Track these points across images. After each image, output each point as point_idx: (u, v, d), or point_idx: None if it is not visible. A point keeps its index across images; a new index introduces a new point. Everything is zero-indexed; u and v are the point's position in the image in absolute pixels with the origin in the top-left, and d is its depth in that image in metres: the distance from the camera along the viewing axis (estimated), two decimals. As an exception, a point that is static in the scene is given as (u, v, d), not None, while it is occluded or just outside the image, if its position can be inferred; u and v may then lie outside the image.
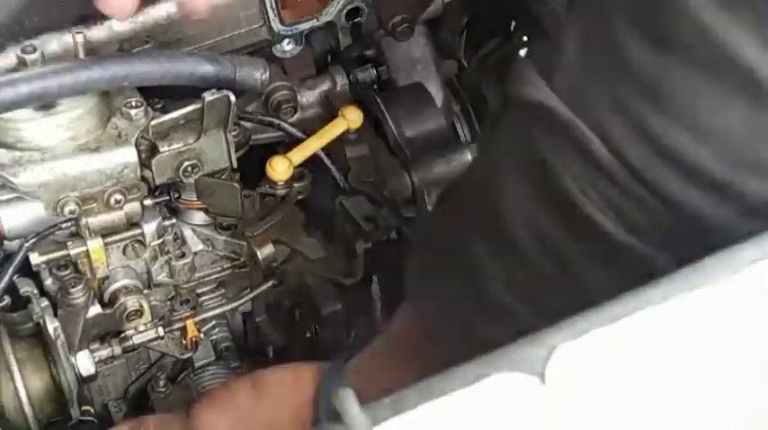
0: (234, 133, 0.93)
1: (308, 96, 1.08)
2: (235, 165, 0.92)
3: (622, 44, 0.55)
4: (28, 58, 0.79)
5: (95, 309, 0.90)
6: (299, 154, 0.96)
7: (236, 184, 0.92)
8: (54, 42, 0.89)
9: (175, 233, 0.95)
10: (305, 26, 1.06)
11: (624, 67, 0.55)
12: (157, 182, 0.89)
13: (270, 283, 1.00)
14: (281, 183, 0.94)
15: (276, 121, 1.03)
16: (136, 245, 0.91)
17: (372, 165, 1.00)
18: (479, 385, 0.44)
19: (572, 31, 0.60)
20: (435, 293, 0.72)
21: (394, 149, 1.03)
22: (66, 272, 0.89)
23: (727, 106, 0.53)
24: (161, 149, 0.86)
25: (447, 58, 1.34)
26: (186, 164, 0.88)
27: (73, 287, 0.88)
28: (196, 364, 1.03)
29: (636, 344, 0.47)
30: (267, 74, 0.86)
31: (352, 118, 1.01)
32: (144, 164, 0.87)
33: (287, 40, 1.07)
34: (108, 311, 0.91)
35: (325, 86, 1.09)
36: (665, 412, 0.47)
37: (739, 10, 0.51)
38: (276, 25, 1.04)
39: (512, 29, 1.48)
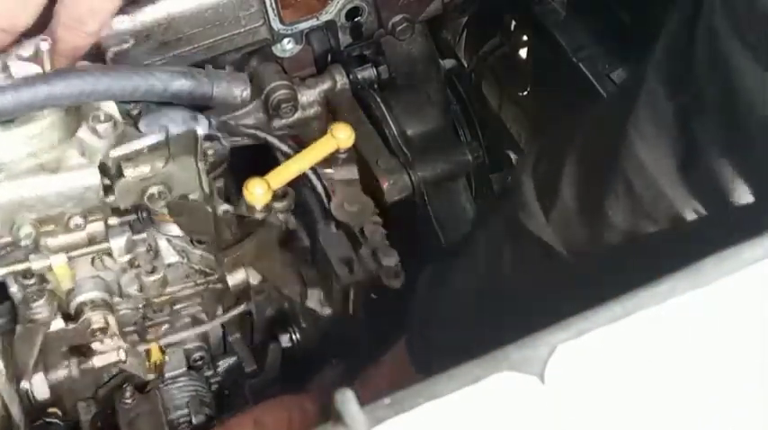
0: (210, 152, 0.87)
1: (308, 96, 1.08)
2: (207, 190, 0.86)
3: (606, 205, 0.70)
4: None
5: (59, 324, 0.86)
6: (279, 177, 0.89)
7: (209, 207, 0.86)
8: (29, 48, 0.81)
9: (149, 244, 0.89)
10: (305, 25, 1.06)
11: (604, 222, 0.70)
12: (121, 207, 0.83)
13: (242, 307, 0.98)
14: (260, 206, 0.88)
15: (262, 135, 0.98)
16: (105, 257, 0.86)
17: (358, 191, 0.94)
18: (479, 385, 0.44)
19: (567, 177, 0.73)
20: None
21: (394, 149, 1.03)
22: (31, 281, 0.83)
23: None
24: (125, 173, 0.79)
25: (447, 58, 1.34)
26: (153, 190, 0.81)
27: (34, 302, 0.83)
28: (167, 375, 1.00)
29: (636, 344, 0.47)
30: (248, 90, 0.82)
31: (342, 136, 0.92)
32: (106, 188, 0.80)
33: (287, 40, 1.07)
34: (71, 326, 0.87)
35: (326, 86, 1.08)
36: (665, 412, 0.47)
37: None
38: (276, 24, 1.04)
39: (512, 29, 1.48)
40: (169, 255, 0.92)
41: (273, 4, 1.01)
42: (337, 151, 0.93)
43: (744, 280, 0.48)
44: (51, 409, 0.91)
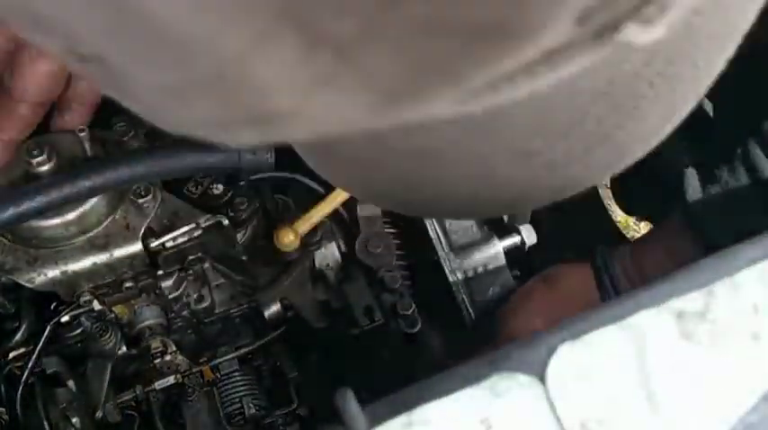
0: (242, 207, 0.95)
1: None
2: (242, 254, 0.94)
3: None
4: (34, 161, 0.80)
5: (122, 349, 0.94)
6: (307, 223, 0.95)
7: (244, 257, 0.95)
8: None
9: (196, 271, 0.96)
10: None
11: None
12: (164, 271, 0.91)
13: (279, 331, 1.01)
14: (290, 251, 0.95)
15: (293, 176, 1.02)
16: (158, 290, 0.94)
17: (381, 229, 0.99)
18: (479, 385, 0.44)
19: None
20: None
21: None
22: (95, 320, 0.93)
23: None
24: (167, 246, 0.87)
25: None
26: (191, 257, 0.90)
27: (101, 337, 0.92)
28: (222, 372, 1.05)
29: (636, 344, 0.47)
30: (272, 154, 0.88)
31: None
32: (151, 257, 0.88)
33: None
34: (134, 351, 0.95)
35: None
36: (664, 411, 0.47)
37: None
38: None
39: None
40: (215, 278, 0.99)
41: (274, 4, 1.01)
42: None
43: (744, 280, 0.48)
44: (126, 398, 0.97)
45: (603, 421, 0.46)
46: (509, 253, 1.05)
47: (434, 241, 1.03)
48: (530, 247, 1.06)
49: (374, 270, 0.96)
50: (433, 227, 1.03)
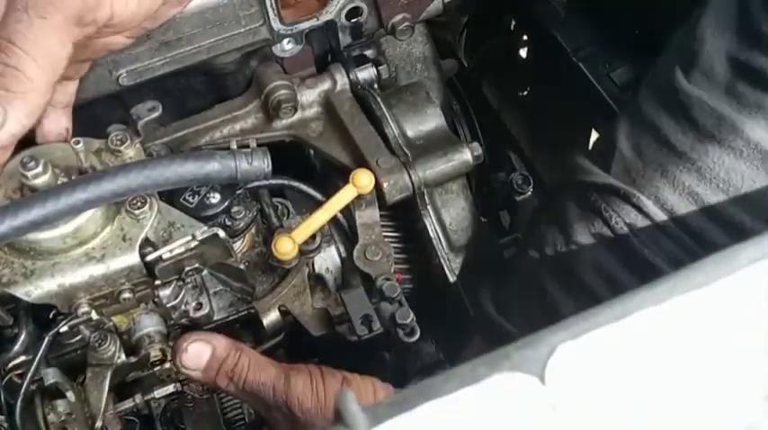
0: (239, 216, 0.96)
1: (308, 96, 1.08)
2: (239, 263, 0.95)
3: (668, 137, 0.83)
4: (30, 173, 0.80)
5: (121, 358, 0.94)
6: (304, 232, 0.95)
7: (242, 266, 0.95)
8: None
9: (194, 280, 0.96)
10: (305, 25, 1.06)
11: (673, 154, 0.82)
12: (162, 281, 0.91)
13: (277, 340, 1.01)
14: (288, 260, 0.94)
15: (290, 183, 1.03)
16: (156, 299, 0.94)
17: (380, 236, 0.99)
18: (479, 385, 0.44)
19: (622, 133, 0.88)
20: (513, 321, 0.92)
21: (394, 149, 1.03)
22: (93, 329, 0.93)
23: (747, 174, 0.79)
24: (163, 257, 0.86)
25: (447, 58, 1.34)
26: (189, 266, 0.89)
27: (100, 346, 0.92)
28: None
29: (636, 344, 0.47)
30: (269, 164, 0.88)
31: (362, 183, 0.96)
32: (148, 268, 0.87)
33: (287, 40, 1.07)
34: (134, 360, 0.94)
35: (326, 86, 1.08)
36: (664, 412, 0.47)
37: (747, 105, 0.79)
38: (276, 24, 1.04)
39: (512, 29, 1.48)
40: (213, 285, 0.99)
41: (273, 5, 1.01)
42: (359, 196, 0.97)
43: (744, 280, 0.48)
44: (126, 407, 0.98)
45: (603, 421, 0.46)
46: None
47: (434, 241, 1.03)
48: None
49: (373, 278, 0.96)
50: (432, 227, 1.03)
